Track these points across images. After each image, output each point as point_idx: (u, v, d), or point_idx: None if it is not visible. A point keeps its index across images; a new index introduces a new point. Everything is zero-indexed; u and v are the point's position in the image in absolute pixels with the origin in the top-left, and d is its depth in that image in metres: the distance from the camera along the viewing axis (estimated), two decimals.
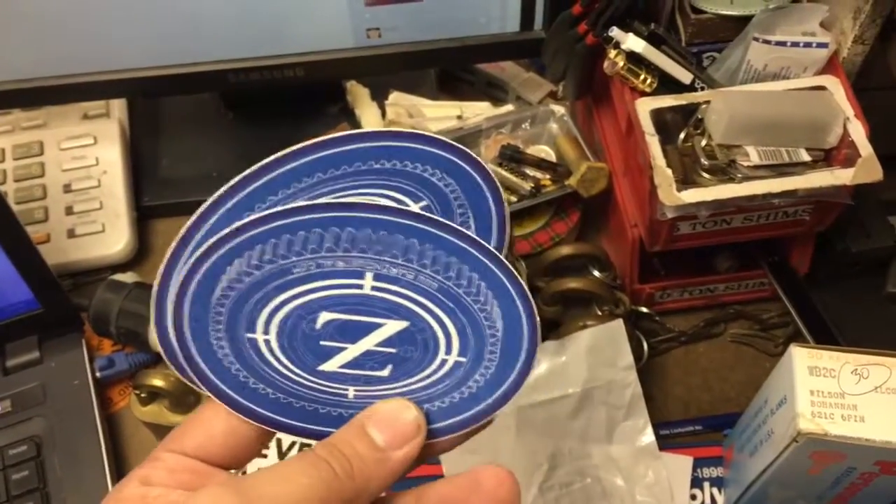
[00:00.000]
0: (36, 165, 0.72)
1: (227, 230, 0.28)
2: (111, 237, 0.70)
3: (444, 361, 0.30)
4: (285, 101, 0.76)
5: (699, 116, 0.56)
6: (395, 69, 0.75)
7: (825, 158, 0.55)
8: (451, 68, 0.81)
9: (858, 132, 0.53)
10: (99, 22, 0.63)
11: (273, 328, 0.30)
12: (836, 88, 0.55)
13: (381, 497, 0.30)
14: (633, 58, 0.56)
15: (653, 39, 0.56)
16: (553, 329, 0.62)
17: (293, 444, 0.60)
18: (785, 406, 0.47)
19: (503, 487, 0.29)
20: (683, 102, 0.56)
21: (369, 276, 0.29)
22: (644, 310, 0.66)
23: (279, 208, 0.28)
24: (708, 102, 0.55)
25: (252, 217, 0.28)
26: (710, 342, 0.67)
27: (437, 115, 0.76)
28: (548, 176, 0.68)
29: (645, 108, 0.55)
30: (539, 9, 0.66)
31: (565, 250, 0.64)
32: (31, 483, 0.58)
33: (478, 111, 0.76)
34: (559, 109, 0.71)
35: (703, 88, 0.58)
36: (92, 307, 0.63)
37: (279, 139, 0.30)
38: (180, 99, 0.80)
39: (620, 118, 0.61)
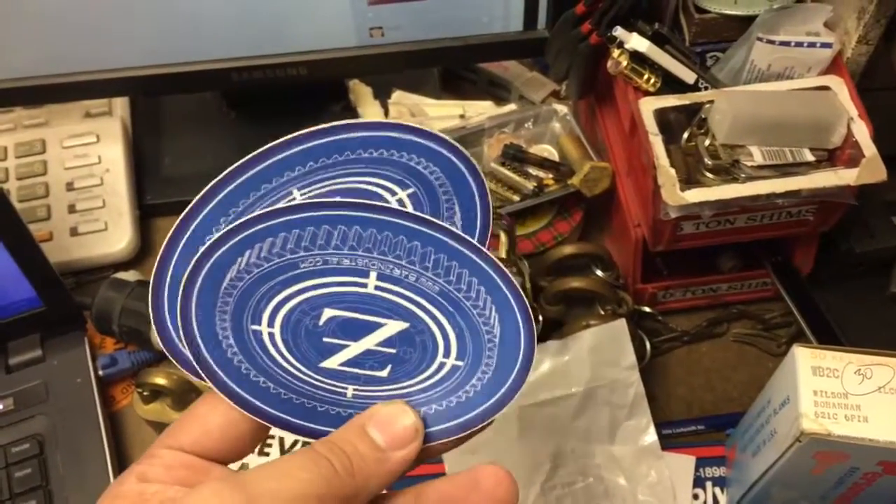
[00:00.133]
0: (38, 163, 0.72)
1: (242, 220, 0.29)
2: (114, 235, 0.71)
3: (442, 364, 0.30)
4: (288, 99, 0.76)
5: (703, 116, 0.56)
6: (397, 68, 0.75)
7: (829, 158, 0.55)
8: (454, 67, 0.81)
9: (862, 132, 0.53)
10: (101, 20, 0.63)
11: (278, 322, 0.30)
12: (840, 88, 0.55)
13: (381, 495, 0.30)
14: (637, 57, 0.56)
15: (656, 39, 0.56)
16: (556, 328, 0.62)
17: (296, 442, 0.60)
18: (788, 406, 0.47)
19: (501, 487, 0.29)
20: (687, 102, 0.56)
21: (373, 275, 0.29)
22: (647, 309, 0.66)
23: (290, 203, 0.29)
24: (711, 102, 0.55)
25: (266, 209, 0.29)
26: (712, 342, 0.67)
27: (440, 115, 0.76)
28: (551, 175, 0.68)
29: (648, 107, 0.55)
30: (542, 8, 0.66)
31: (568, 250, 0.64)
32: (33, 481, 0.58)
33: (481, 110, 0.76)
34: (562, 109, 0.71)
35: (706, 88, 0.57)
36: (94, 305, 0.63)
37: (282, 137, 0.30)
38: (182, 97, 0.80)
39: (624, 118, 0.61)
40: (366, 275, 0.29)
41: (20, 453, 0.59)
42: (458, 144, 0.30)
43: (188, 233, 0.30)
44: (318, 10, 0.65)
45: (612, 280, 0.64)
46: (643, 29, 0.57)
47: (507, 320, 0.30)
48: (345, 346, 0.30)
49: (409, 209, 0.30)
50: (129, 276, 0.66)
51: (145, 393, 0.59)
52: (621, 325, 0.58)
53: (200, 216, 0.30)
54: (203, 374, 0.30)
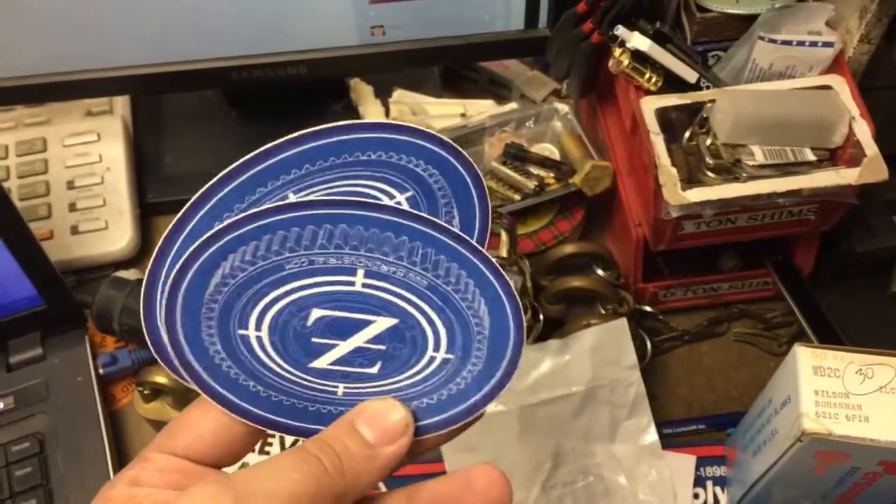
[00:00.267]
0: (39, 162, 0.72)
1: (222, 224, 0.28)
2: (114, 234, 0.70)
3: (432, 358, 0.30)
4: (288, 98, 0.76)
5: (704, 115, 0.56)
6: (398, 67, 0.75)
7: (830, 158, 0.55)
8: (455, 66, 0.80)
9: (864, 132, 0.53)
10: (102, 18, 0.63)
11: (265, 325, 0.30)
12: (842, 88, 0.55)
13: (373, 495, 0.30)
14: (638, 56, 0.56)
15: (658, 38, 0.56)
16: (556, 328, 0.62)
17: (296, 440, 0.60)
18: (789, 406, 0.47)
19: (495, 487, 0.29)
20: (688, 101, 0.56)
21: (360, 272, 0.29)
22: (648, 309, 0.66)
23: (274, 204, 0.28)
24: (713, 101, 0.55)
25: (248, 212, 0.28)
26: (713, 341, 0.67)
27: (441, 113, 0.76)
28: (552, 174, 0.68)
29: (650, 106, 0.55)
30: (543, 7, 0.66)
31: (569, 249, 0.64)
32: (34, 479, 0.58)
33: (481, 109, 0.75)
34: (563, 108, 0.71)
35: (708, 87, 0.57)
36: (95, 304, 0.63)
37: (282, 137, 0.30)
38: (183, 96, 0.80)
39: (625, 117, 0.61)
40: (353, 273, 0.29)
41: (20, 452, 0.59)
42: (458, 147, 0.30)
43: (177, 244, 0.29)
44: (319, 8, 0.64)
45: (613, 279, 0.64)
46: (645, 28, 0.56)
47: (497, 312, 0.30)
48: (334, 346, 0.30)
49: None
50: (130, 274, 0.66)
51: (146, 391, 0.59)
52: (622, 324, 0.58)
53: (192, 222, 0.29)
54: (191, 381, 0.30)
